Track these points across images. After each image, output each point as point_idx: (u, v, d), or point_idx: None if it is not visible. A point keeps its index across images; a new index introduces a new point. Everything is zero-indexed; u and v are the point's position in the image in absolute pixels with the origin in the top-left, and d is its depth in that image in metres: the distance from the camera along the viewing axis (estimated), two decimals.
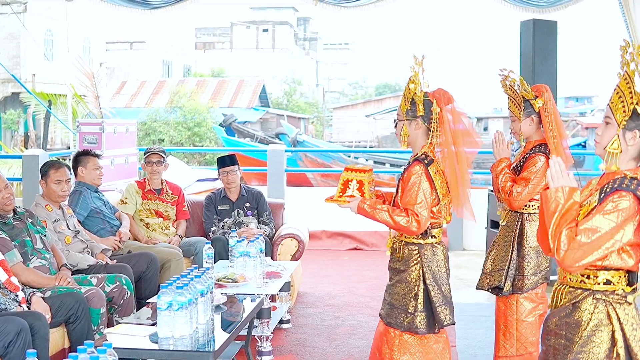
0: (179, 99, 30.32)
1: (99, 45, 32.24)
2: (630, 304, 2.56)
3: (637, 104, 2.55)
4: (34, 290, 4.38)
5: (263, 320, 4.90)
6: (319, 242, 8.97)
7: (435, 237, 3.56)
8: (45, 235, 4.82)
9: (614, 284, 2.55)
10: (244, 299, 4.56)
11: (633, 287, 2.57)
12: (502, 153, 4.20)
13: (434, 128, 3.53)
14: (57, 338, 4.34)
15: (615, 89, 2.61)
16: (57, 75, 23.36)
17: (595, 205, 2.52)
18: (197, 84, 35.15)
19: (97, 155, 6.03)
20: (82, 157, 5.94)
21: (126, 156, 8.11)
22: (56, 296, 4.39)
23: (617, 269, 2.55)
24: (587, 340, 2.53)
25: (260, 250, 5.07)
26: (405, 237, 3.55)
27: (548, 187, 2.57)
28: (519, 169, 4.16)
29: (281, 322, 5.61)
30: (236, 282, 4.80)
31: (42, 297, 4.31)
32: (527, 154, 4.15)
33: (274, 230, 6.44)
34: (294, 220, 6.93)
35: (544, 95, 4.09)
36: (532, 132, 4.16)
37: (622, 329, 2.52)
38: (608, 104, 2.63)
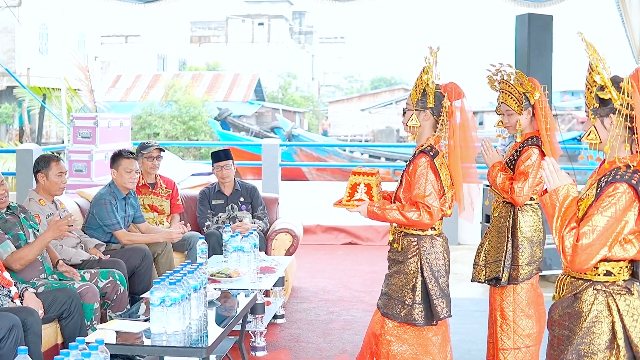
0: (174, 93, 30.28)
1: (94, 39, 32.10)
2: (632, 294, 2.56)
3: (597, 91, 2.57)
4: (27, 285, 4.36)
5: (257, 316, 4.88)
6: (314, 236, 8.96)
7: (435, 229, 3.54)
8: (38, 230, 4.79)
9: (614, 275, 2.56)
10: (238, 294, 4.55)
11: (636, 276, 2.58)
12: (493, 159, 4.18)
13: (442, 121, 3.52)
14: (50, 334, 4.33)
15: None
16: (52, 69, 23.30)
17: (593, 201, 2.53)
18: (192, 77, 35.11)
19: (130, 157, 5.70)
20: (116, 157, 5.71)
21: None
22: (49, 292, 4.37)
23: (619, 260, 2.55)
24: (587, 331, 2.54)
25: (254, 245, 5.06)
26: (405, 227, 3.53)
27: (546, 190, 2.60)
28: (513, 162, 4.14)
29: (275, 317, 5.60)
30: (230, 277, 4.80)
31: (35, 293, 4.29)
32: (519, 147, 4.14)
33: (268, 224, 6.43)
34: (288, 214, 6.92)
35: (539, 88, 4.09)
36: (527, 125, 4.15)
37: (622, 320, 2.53)
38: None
